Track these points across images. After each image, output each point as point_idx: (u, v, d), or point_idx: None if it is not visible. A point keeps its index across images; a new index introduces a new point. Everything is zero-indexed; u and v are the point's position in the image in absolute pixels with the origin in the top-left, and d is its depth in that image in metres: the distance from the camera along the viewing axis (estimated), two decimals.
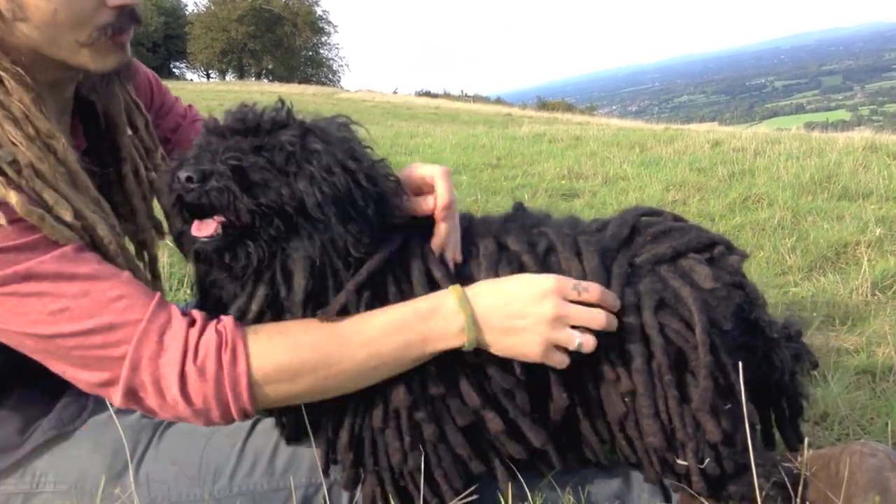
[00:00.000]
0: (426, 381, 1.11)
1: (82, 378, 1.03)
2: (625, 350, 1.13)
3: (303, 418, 1.14)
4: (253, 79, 56.16)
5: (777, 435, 1.34)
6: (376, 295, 1.10)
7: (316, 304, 1.07)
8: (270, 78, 58.29)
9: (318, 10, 61.59)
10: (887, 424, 1.56)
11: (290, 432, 1.20)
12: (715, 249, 1.24)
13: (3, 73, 1.03)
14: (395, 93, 46.47)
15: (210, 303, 1.14)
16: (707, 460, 1.13)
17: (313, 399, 1.10)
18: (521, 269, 1.15)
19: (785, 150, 5.81)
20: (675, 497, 1.23)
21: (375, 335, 1.06)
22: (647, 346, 1.12)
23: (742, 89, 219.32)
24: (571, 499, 1.23)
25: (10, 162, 0.99)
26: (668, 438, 1.13)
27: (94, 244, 1.07)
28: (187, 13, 61.67)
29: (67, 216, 1.02)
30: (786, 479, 1.16)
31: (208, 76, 61.21)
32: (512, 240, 1.18)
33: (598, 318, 1.08)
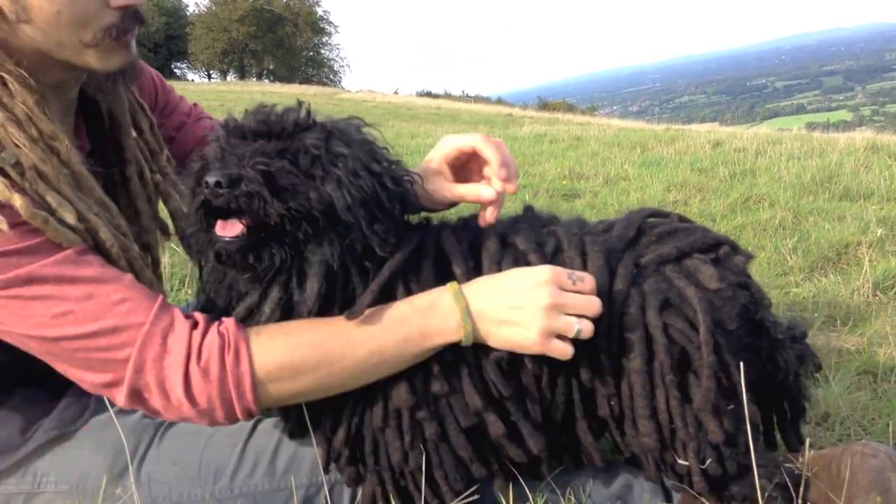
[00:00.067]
0: (429, 380, 1.11)
1: (86, 379, 1.04)
2: (623, 350, 1.13)
3: (304, 415, 1.15)
4: (254, 79, 56.18)
5: (778, 436, 1.34)
6: (396, 295, 1.11)
7: (324, 307, 1.08)
8: (271, 78, 58.31)
9: (319, 11, 61.65)
10: (888, 425, 1.56)
11: (293, 427, 1.20)
12: (720, 250, 1.24)
13: (6, 76, 1.04)
14: (396, 93, 46.50)
15: (220, 301, 1.14)
16: (709, 461, 1.13)
17: (316, 396, 1.11)
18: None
19: (786, 151, 5.81)
20: (677, 497, 1.23)
21: (375, 331, 1.06)
22: (649, 345, 1.12)
23: (743, 90, 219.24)
24: (572, 499, 1.23)
25: (13, 164, 0.99)
26: (662, 439, 1.13)
27: (97, 247, 1.07)
28: (188, 14, 61.73)
29: (70, 219, 1.02)
30: (787, 479, 1.16)
31: (209, 76, 61.26)
32: (521, 239, 1.19)
33: (594, 306, 1.09)
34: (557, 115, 26.68)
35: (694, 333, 1.12)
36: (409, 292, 1.12)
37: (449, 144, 1.23)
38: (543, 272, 1.09)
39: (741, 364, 1.11)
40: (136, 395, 1.03)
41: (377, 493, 1.16)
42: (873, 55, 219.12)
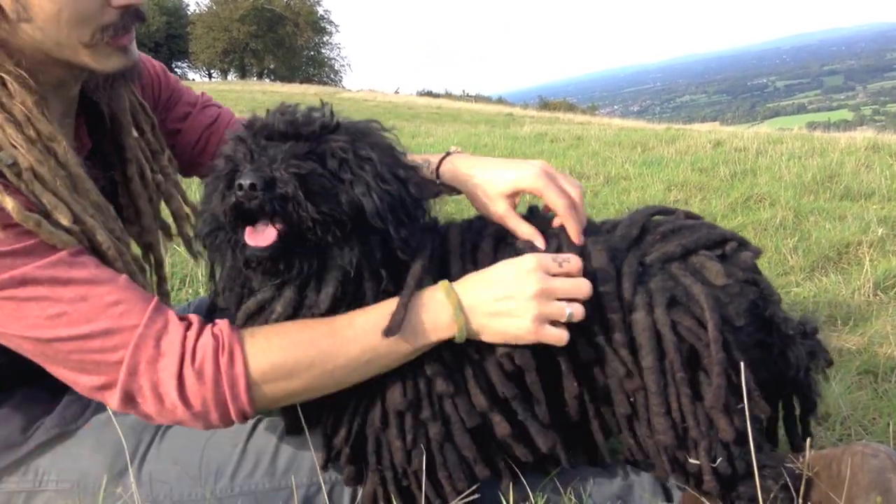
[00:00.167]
0: (433, 380, 1.11)
1: (80, 382, 1.04)
2: (635, 348, 1.13)
3: (304, 412, 1.15)
4: (255, 78, 56.14)
5: (778, 435, 1.34)
6: None
7: (331, 309, 1.08)
8: (272, 78, 58.26)
9: (320, 10, 61.59)
10: (889, 425, 1.56)
11: (293, 423, 1.20)
12: (727, 246, 1.24)
13: (5, 76, 1.04)
14: (396, 92, 46.49)
15: (232, 298, 1.14)
16: (719, 459, 1.12)
17: (311, 396, 1.11)
18: None
19: (787, 150, 5.81)
20: (677, 498, 1.23)
21: (368, 329, 1.07)
22: (660, 343, 1.12)
23: (744, 89, 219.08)
24: (573, 499, 1.23)
25: (9, 165, 0.99)
26: (678, 436, 1.13)
27: (93, 249, 1.07)
28: (189, 13, 61.69)
29: (65, 220, 1.02)
30: (788, 480, 1.16)
31: (210, 76, 61.23)
32: (521, 241, 1.20)
33: (584, 288, 1.10)
34: (558, 115, 26.66)
35: (702, 331, 1.12)
36: None
37: (505, 182, 1.22)
38: (529, 260, 1.09)
39: (743, 364, 1.10)
40: (130, 399, 1.02)
41: (378, 492, 1.16)
42: (874, 55, 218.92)
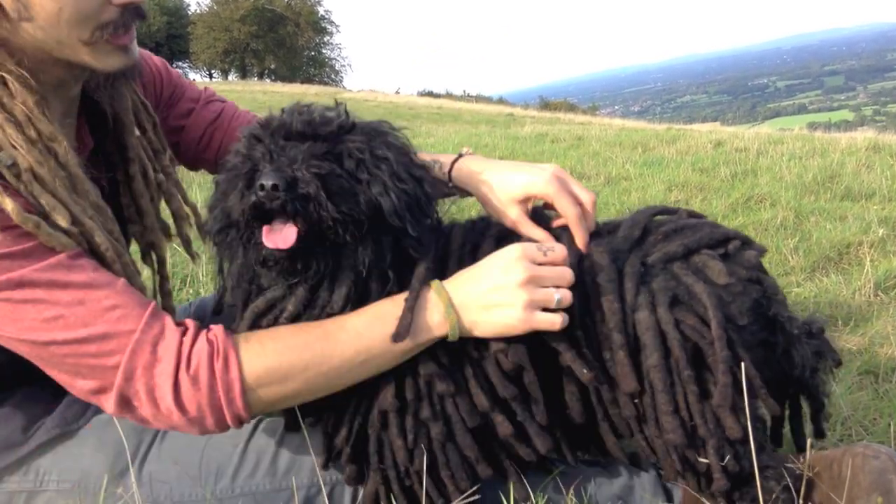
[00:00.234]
0: (432, 380, 1.11)
1: (76, 385, 1.04)
2: (639, 349, 1.13)
3: (300, 409, 1.15)
4: (255, 78, 56.17)
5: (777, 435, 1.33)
6: None
7: (344, 310, 1.08)
8: (273, 78, 58.26)
9: (321, 10, 61.62)
10: (890, 425, 1.56)
11: (290, 420, 1.20)
12: (730, 245, 1.24)
13: (6, 76, 1.03)
14: (397, 93, 46.50)
15: (240, 296, 1.14)
16: (727, 458, 1.12)
17: (306, 399, 1.11)
18: None
19: (788, 151, 5.81)
20: (678, 498, 1.23)
21: (361, 330, 1.07)
22: (664, 342, 1.12)
23: (744, 89, 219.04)
24: (574, 499, 1.23)
25: (9, 165, 0.99)
26: (687, 435, 1.13)
27: (91, 250, 1.07)
28: (190, 13, 61.72)
29: (64, 222, 1.01)
30: (788, 480, 1.16)
31: (211, 76, 61.24)
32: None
33: (568, 275, 1.11)
34: (559, 115, 26.66)
35: (706, 329, 1.11)
36: None
37: (517, 187, 1.22)
38: (514, 250, 1.11)
39: (743, 364, 1.10)
40: (126, 403, 1.02)
41: (380, 491, 1.16)
42: (875, 55, 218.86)
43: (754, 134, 7.63)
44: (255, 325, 1.11)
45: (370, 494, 1.17)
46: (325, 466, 1.18)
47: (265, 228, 1.02)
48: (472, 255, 1.18)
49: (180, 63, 60.23)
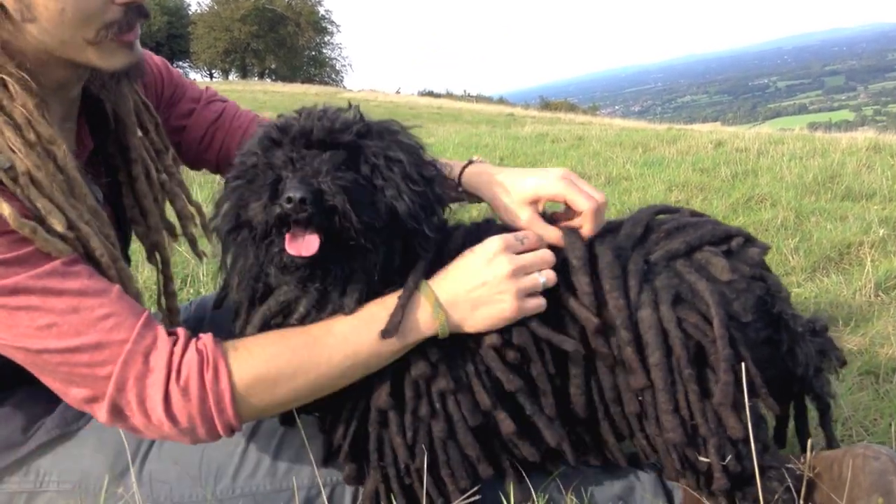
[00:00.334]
0: (431, 378, 1.11)
1: (69, 393, 1.03)
2: (641, 346, 1.12)
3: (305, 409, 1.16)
4: (256, 78, 56.18)
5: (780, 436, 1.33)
6: None
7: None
8: (273, 77, 58.25)
9: (321, 10, 61.62)
10: (890, 426, 1.56)
11: (284, 415, 1.21)
12: (732, 242, 1.23)
13: (7, 78, 1.03)
14: (397, 93, 46.53)
15: (244, 293, 1.14)
16: (728, 457, 1.12)
17: (297, 404, 1.12)
18: None
19: (788, 151, 5.80)
20: (678, 499, 1.23)
21: (349, 335, 1.07)
22: (666, 340, 1.12)
23: (745, 89, 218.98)
24: (574, 499, 1.23)
25: (6, 169, 0.98)
26: (688, 434, 1.13)
27: (87, 255, 1.06)
28: (190, 13, 61.73)
29: (60, 227, 1.01)
30: (791, 481, 1.16)
31: (211, 76, 61.24)
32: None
33: (547, 256, 1.15)
34: (559, 115, 26.66)
35: (708, 327, 1.11)
36: None
37: (528, 188, 1.22)
38: (494, 243, 1.13)
39: (748, 361, 1.10)
40: (118, 412, 1.02)
41: (380, 490, 1.16)
42: (875, 55, 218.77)
43: (755, 134, 7.63)
44: (265, 325, 1.11)
45: (370, 493, 1.17)
46: (324, 465, 1.19)
47: (288, 236, 1.02)
48: None
49: (181, 63, 60.22)
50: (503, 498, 1.20)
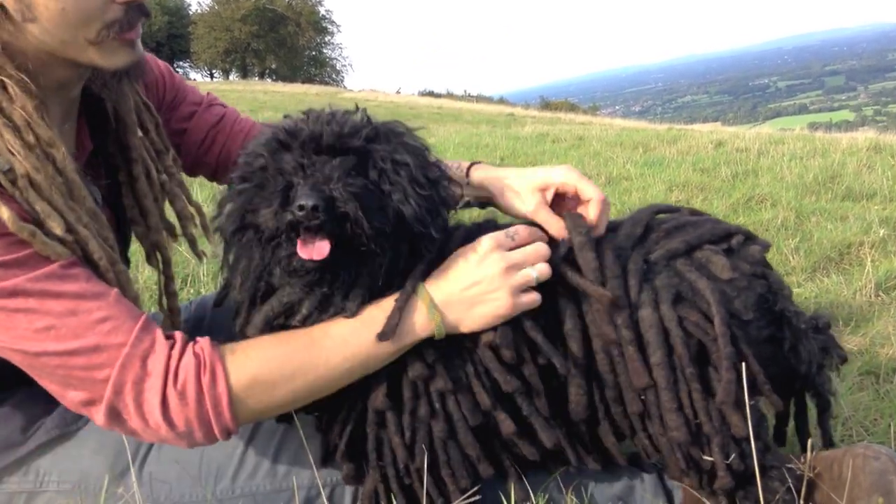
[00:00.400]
0: (432, 377, 1.11)
1: (67, 396, 1.03)
2: (643, 346, 1.13)
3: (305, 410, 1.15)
4: (256, 78, 56.15)
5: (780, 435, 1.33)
6: None
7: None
8: (274, 77, 58.23)
9: (322, 10, 61.63)
10: (890, 426, 1.56)
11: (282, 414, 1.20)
12: (733, 240, 1.23)
13: (6, 80, 1.03)
14: (398, 93, 46.54)
15: (245, 292, 1.14)
16: (732, 456, 1.12)
17: (294, 407, 1.12)
18: None
19: (788, 151, 5.80)
20: (679, 499, 1.23)
21: (346, 337, 1.07)
22: (667, 339, 1.12)
23: (745, 90, 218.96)
24: (574, 499, 1.23)
25: (5, 171, 0.98)
26: (691, 433, 1.12)
27: (86, 258, 1.06)
28: (191, 13, 61.73)
29: (58, 230, 1.01)
30: (791, 481, 1.16)
31: (212, 76, 61.24)
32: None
33: (540, 250, 1.15)
34: (560, 115, 26.64)
35: (709, 325, 1.11)
36: None
37: (537, 177, 1.24)
38: (486, 242, 1.13)
39: (750, 360, 1.10)
40: (115, 416, 1.02)
41: (379, 489, 1.16)
42: (876, 55, 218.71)
43: (755, 134, 7.63)
44: (267, 325, 1.11)
45: (369, 493, 1.17)
46: (322, 464, 1.18)
47: (299, 241, 1.02)
48: None
49: (181, 63, 60.26)
50: (503, 498, 1.20)
